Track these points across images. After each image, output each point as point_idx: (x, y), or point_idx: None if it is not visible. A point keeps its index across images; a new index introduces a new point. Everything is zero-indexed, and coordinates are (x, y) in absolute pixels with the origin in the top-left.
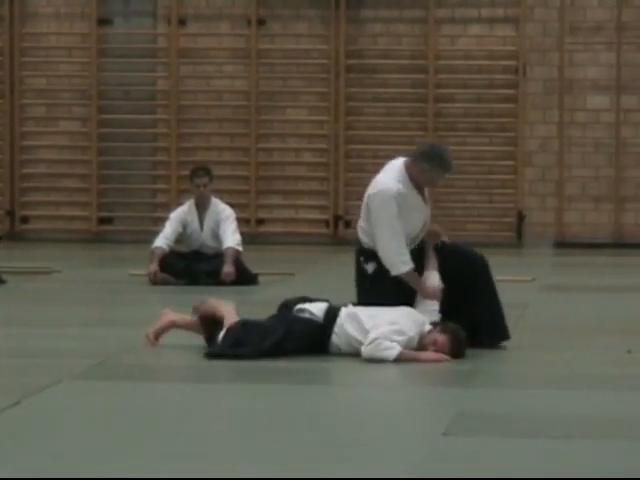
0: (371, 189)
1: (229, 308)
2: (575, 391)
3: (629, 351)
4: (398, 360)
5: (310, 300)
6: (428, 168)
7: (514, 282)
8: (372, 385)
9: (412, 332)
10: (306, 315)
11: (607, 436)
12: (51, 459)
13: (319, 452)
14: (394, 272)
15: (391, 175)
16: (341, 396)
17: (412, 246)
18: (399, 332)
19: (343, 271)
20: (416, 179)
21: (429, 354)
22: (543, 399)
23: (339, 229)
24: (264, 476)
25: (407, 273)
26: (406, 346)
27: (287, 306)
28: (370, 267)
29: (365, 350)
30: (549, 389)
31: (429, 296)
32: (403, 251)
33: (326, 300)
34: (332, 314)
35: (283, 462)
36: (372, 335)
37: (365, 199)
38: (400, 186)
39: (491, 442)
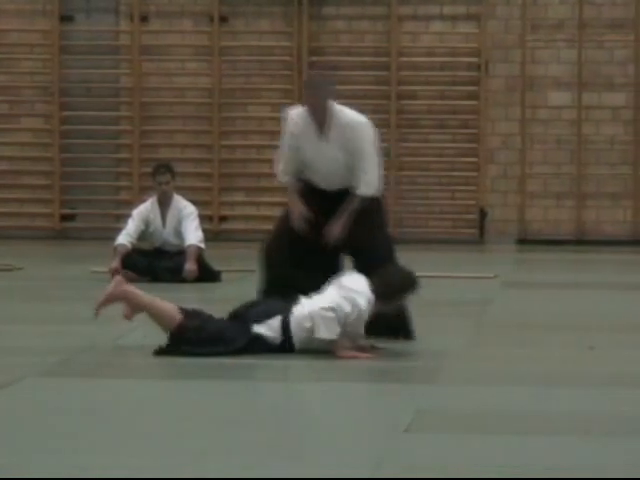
0: None
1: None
2: (536, 388)
3: (591, 347)
4: (331, 344)
5: (257, 305)
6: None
7: (476, 279)
8: (328, 381)
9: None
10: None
11: (565, 432)
12: (14, 456)
13: (276, 451)
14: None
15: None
16: (294, 393)
17: (324, 186)
18: (354, 304)
19: None
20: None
21: (353, 353)
22: (504, 396)
23: None
24: (222, 475)
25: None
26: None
27: (238, 316)
28: None
29: (319, 313)
30: (510, 386)
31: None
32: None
33: (277, 305)
34: (286, 325)
35: (238, 460)
36: (329, 303)
37: None
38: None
39: (453, 439)
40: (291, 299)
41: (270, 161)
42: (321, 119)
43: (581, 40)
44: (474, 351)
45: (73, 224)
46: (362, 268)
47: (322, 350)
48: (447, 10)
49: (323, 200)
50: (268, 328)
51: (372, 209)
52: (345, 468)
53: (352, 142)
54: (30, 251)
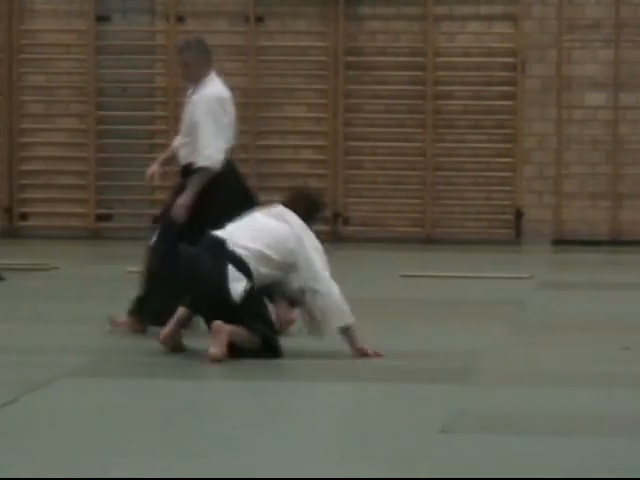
0: None
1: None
2: (570, 388)
3: (626, 348)
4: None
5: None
6: None
7: (512, 279)
8: (361, 381)
9: None
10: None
11: (603, 433)
12: (48, 458)
13: (313, 451)
14: None
15: None
16: (330, 393)
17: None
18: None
19: (343, 267)
20: None
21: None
22: (538, 396)
23: (338, 226)
24: (245, 475)
25: None
26: None
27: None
28: None
29: (327, 297)
30: (545, 386)
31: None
32: None
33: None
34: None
35: (277, 461)
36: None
37: None
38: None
39: (489, 439)
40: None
41: (307, 161)
42: (190, 84)
43: (617, 40)
44: (509, 351)
45: (108, 224)
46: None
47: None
48: (483, 10)
49: (181, 176)
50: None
51: (215, 184)
52: (382, 468)
53: (193, 114)
54: (66, 251)
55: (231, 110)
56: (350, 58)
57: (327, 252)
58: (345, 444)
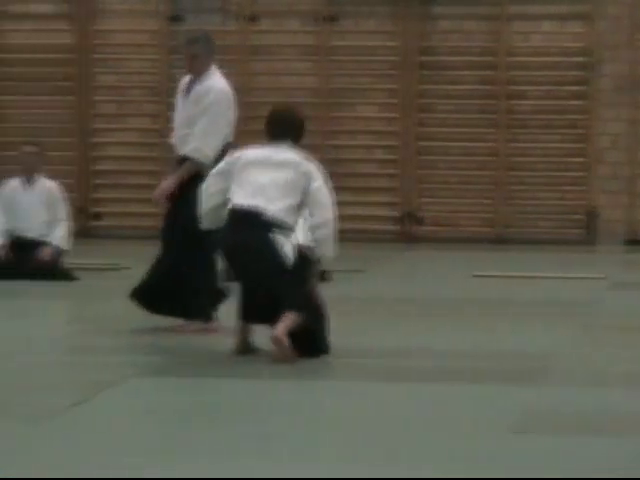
0: None
1: None
2: None
3: None
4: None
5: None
6: None
7: (585, 280)
8: (432, 382)
9: None
10: None
11: None
12: (115, 457)
13: (384, 451)
14: None
15: None
16: (399, 394)
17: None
18: None
19: (414, 268)
20: None
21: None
22: (613, 397)
23: (410, 226)
24: (338, 475)
25: None
26: None
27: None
28: None
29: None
30: (618, 387)
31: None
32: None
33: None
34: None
35: (358, 462)
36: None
37: None
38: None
39: (561, 440)
40: None
41: (378, 161)
42: (194, 76)
43: None
44: (580, 352)
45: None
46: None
47: None
48: (556, 9)
49: (175, 166)
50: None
51: (192, 182)
52: (454, 468)
53: (199, 105)
54: (137, 251)
55: (235, 107)
56: (423, 58)
57: (399, 252)
58: (416, 444)
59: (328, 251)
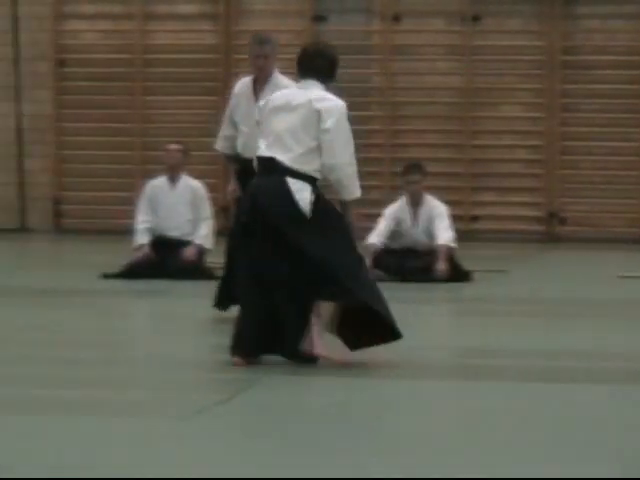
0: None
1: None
2: None
3: None
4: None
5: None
6: None
7: None
8: (576, 383)
9: None
10: None
11: None
12: (260, 454)
13: (555, 452)
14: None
15: None
16: (548, 394)
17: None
18: None
19: (557, 268)
20: None
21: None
22: None
23: (554, 226)
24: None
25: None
26: None
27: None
28: None
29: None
30: None
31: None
32: (223, 128)
33: None
34: None
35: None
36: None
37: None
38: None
39: None
40: None
41: (522, 161)
42: (262, 77)
43: None
44: None
45: None
46: None
47: None
48: None
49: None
50: None
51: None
52: (608, 468)
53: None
54: None
55: None
56: (567, 57)
57: (542, 252)
58: (566, 444)
59: (347, 194)
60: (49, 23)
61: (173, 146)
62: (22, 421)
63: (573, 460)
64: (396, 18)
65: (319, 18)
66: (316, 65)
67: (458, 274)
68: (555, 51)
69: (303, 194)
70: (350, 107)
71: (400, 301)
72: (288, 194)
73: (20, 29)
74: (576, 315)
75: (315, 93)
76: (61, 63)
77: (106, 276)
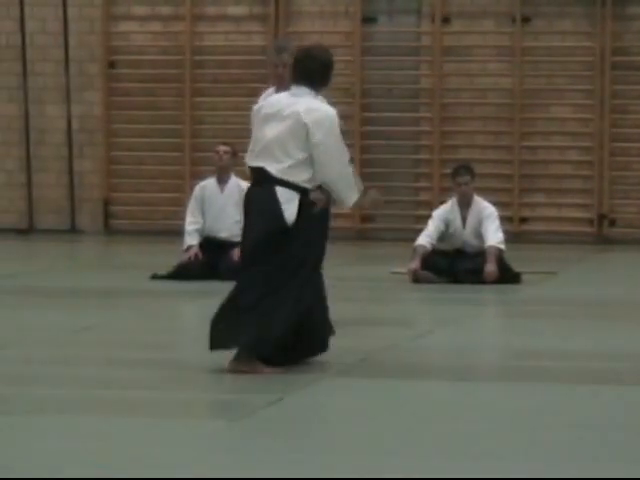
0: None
1: None
2: None
3: None
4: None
5: None
6: None
7: None
8: (627, 384)
9: None
10: None
11: None
12: (310, 455)
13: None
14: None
15: None
16: (607, 397)
17: None
18: None
19: (607, 270)
20: None
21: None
22: None
23: (604, 228)
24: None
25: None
26: None
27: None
28: None
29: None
30: None
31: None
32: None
33: None
34: None
35: (557, 462)
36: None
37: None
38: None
39: None
40: None
41: (572, 162)
42: (283, 87)
43: None
44: None
45: (373, 225)
46: None
47: None
48: None
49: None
50: None
51: None
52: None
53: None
54: (329, 251)
55: None
56: (617, 58)
57: (593, 254)
58: (616, 446)
59: (345, 202)
60: (99, 25)
61: (222, 147)
62: (86, 422)
63: (621, 461)
64: (446, 19)
65: (369, 19)
66: (307, 70)
67: (508, 276)
68: (605, 52)
69: (290, 204)
70: (399, 109)
71: (450, 302)
72: (274, 203)
73: (70, 31)
74: (625, 317)
75: (304, 103)
76: (111, 65)
77: (156, 277)
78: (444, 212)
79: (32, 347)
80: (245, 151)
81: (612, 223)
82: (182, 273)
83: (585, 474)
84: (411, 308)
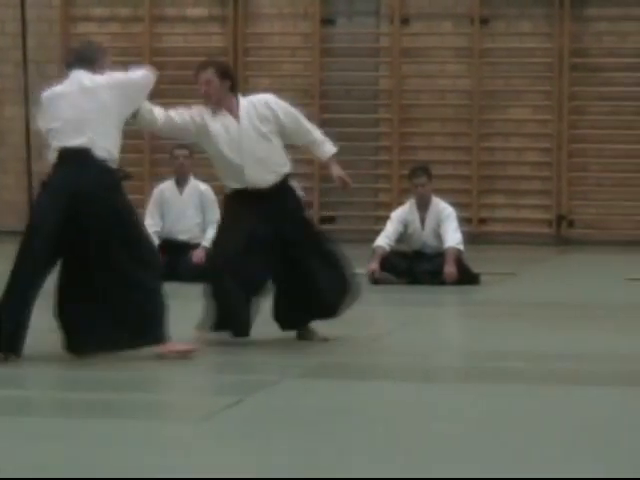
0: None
1: None
2: None
3: None
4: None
5: None
6: None
7: None
8: (601, 385)
9: None
10: None
11: None
12: (273, 456)
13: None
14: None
15: None
16: (568, 397)
17: None
18: None
19: (566, 271)
20: None
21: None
22: None
23: (562, 229)
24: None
25: None
26: None
27: None
28: None
29: None
30: None
31: None
32: None
33: None
34: None
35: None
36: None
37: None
38: None
39: None
40: None
41: (531, 164)
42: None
43: None
44: None
45: (332, 226)
46: None
47: None
48: None
49: None
50: None
51: None
52: (611, 467)
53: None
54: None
55: None
56: (575, 59)
57: (550, 255)
58: (579, 445)
59: None
60: (58, 26)
61: (179, 151)
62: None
63: (588, 461)
64: (405, 21)
65: (328, 21)
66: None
67: (467, 277)
68: (564, 53)
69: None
70: (358, 110)
71: (409, 303)
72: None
73: (29, 32)
74: (585, 318)
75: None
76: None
77: None
78: (403, 213)
79: None
80: (202, 152)
81: (571, 224)
82: None
83: (547, 474)
84: (370, 309)
